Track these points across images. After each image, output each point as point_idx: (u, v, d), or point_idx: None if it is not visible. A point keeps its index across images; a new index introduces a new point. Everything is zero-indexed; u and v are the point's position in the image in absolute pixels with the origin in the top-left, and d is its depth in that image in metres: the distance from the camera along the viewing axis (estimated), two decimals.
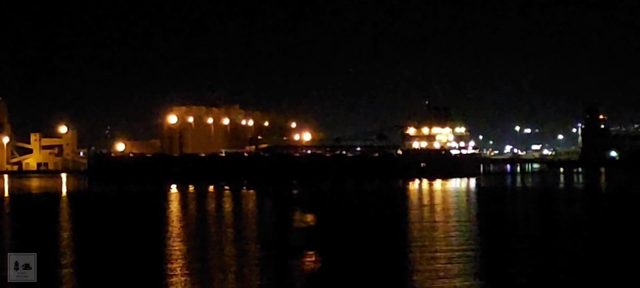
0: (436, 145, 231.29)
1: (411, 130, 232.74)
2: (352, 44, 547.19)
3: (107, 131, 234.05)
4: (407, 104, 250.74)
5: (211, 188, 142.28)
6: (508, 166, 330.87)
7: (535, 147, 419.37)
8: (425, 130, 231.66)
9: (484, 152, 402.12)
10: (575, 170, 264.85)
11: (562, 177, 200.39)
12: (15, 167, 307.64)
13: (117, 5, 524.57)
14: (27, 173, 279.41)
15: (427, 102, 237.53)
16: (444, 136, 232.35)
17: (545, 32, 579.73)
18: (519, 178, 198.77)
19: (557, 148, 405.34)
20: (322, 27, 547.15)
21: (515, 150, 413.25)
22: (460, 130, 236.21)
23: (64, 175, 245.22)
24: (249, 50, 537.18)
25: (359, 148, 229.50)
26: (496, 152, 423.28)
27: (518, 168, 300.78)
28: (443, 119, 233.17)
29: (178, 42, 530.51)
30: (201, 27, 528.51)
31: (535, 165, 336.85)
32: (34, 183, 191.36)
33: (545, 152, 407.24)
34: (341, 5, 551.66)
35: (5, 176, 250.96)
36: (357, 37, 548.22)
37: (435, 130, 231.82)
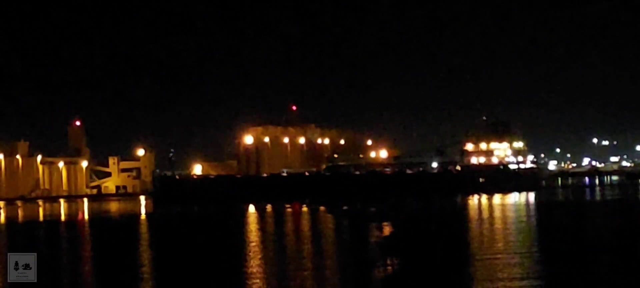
0: (494, 160, 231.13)
1: (469, 146, 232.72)
2: (412, 59, 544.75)
3: (171, 154, 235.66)
4: (466, 119, 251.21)
5: (289, 208, 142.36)
6: (586, 179, 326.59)
7: (613, 159, 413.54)
8: (483, 146, 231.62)
9: (562, 165, 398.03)
10: None
11: None
12: (95, 191, 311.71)
13: (194, 30, 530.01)
14: (106, 197, 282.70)
15: (484, 118, 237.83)
16: (502, 151, 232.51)
17: (621, 43, 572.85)
18: (596, 191, 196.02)
19: (636, 159, 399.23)
20: (382, 41, 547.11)
21: (593, 163, 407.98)
22: (518, 144, 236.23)
23: (142, 198, 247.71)
24: (322, 68, 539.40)
25: (437, 165, 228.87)
26: (574, 165, 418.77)
27: (596, 181, 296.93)
28: (501, 134, 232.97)
29: (252, 61, 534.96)
30: (275, 46, 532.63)
31: (614, 178, 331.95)
32: (113, 206, 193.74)
33: (624, 163, 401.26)
34: (404, 23, 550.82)
35: (85, 199, 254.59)
36: (417, 53, 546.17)
37: (493, 145, 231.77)
